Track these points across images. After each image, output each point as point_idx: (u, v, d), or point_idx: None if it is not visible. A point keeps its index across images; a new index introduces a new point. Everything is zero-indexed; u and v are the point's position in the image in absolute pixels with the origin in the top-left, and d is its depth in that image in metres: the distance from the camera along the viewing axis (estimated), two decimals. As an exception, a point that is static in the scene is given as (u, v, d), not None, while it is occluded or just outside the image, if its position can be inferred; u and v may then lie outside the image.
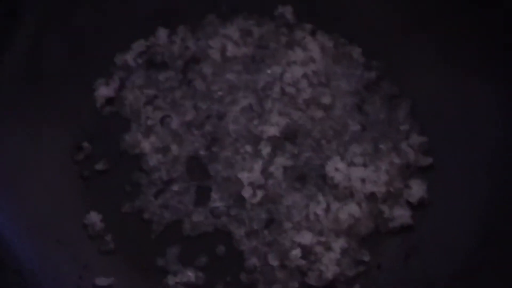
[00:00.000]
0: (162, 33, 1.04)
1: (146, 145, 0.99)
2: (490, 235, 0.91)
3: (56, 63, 1.02)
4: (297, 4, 1.04)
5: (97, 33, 1.03)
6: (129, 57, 1.03)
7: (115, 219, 0.96)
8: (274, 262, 0.92)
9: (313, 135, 0.98)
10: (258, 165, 0.96)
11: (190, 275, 0.93)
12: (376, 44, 1.02)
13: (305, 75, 1.00)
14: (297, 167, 0.97)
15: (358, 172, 0.95)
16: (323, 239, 0.92)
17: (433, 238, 0.93)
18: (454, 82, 0.98)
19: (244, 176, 0.96)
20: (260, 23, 1.04)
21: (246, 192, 0.95)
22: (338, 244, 0.92)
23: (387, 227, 0.94)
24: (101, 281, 0.93)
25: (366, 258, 0.93)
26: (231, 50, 1.03)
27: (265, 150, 0.97)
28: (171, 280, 0.92)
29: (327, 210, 0.94)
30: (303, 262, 0.92)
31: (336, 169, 0.96)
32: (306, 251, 0.92)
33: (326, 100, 0.99)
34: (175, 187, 0.97)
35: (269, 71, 1.01)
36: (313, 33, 1.03)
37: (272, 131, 0.98)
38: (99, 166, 0.98)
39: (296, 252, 0.92)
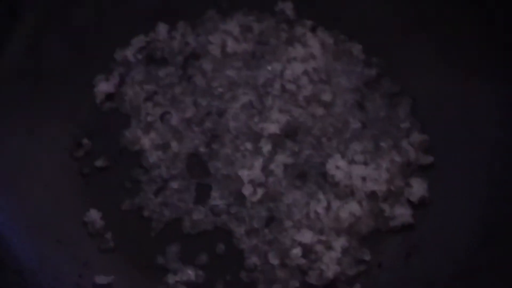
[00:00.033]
0: (162, 29, 1.03)
1: (146, 141, 0.98)
2: (490, 234, 0.91)
3: (56, 59, 1.01)
4: (298, 0, 1.03)
5: (97, 29, 1.03)
6: (129, 53, 1.03)
7: (115, 217, 0.95)
8: (274, 260, 0.92)
9: (313, 133, 0.98)
10: (258, 163, 0.96)
11: (190, 273, 0.93)
12: (377, 41, 1.02)
13: (305, 72, 1.00)
14: (298, 164, 0.97)
15: (359, 170, 0.95)
16: (323, 237, 0.92)
17: (433, 237, 0.93)
18: (455, 80, 0.98)
19: (244, 173, 0.96)
20: (260, 19, 1.04)
21: (246, 190, 0.95)
22: (339, 243, 0.92)
23: (387, 226, 0.94)
24: (101, 279, 0.92)
25: (367, 257, 0.93)
26: (231, 46, 1.02)
27: (266, 147, 0.97)
28: (171, 278, 0.92)
29: (328, 208, 0.94)
30: (303, 261, 0.92)
31: (337, 167, 0.96)
32: (307, 250, 0.92)
33: (326, 97, 0.99)
34: (175, 185, 0.96)
35: (269, 68, 1.01)
36: (313, 30, 1.03)
37: (272, 128, 0.97)
38: (99, 163, 0.98)
39: (297, 250, 0.92)
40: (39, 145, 0.98)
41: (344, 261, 0.92)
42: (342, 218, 0.93)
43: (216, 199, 0.96)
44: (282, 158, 0.97)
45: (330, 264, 0.91)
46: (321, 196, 0.94)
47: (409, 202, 0.95)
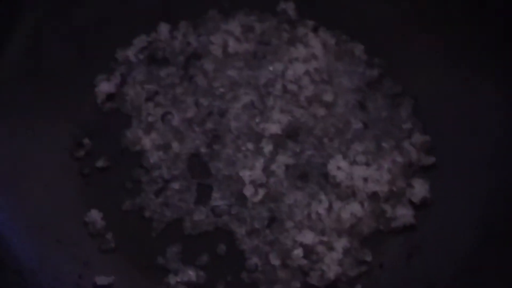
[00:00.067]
0: (163, 29, 1.03)
1: (147, 142, 0.98)
2: (492, 235, 0.91)
3: (56, 59, 1.01)
4: (299, 0, 1.03)
5: (98, 29, 1.03)
6: (130, 53, 1.02)
7: (115, 217, 0.95)
8: (275, 261, 0.92)
9: (315, 133, 0.98)
10: (259, 163, 0.96)
11: (191, 274, 0.92)
12: (379, 41, 1.01)
13: (307, 72, 1.00)
14: (299, 165, 0.96)
15: (361, 171, 0.95)
16: (325, 238, 0.92)
17: (435, 237, 0.93)
18: (457, 81, 0.98)
19: (245, 174, 0.95)
20: (262, 19, 1.04)
21: (248, 191, 0.95)
22: (340, 243, 0.92)
23: (389, 226, 0.94)
24: (101, 279, 0.92)
25: (368, 258, 0.92)
26: (232, 46, 1.02)
27: (267, 148, 0.97)
28: (172, 279, 0.92)
29: (329, 209, 0.94)
30: (304, 261, 0.91)
31: (338, 168, 0.95)
32: (308, 251, 0.92)
33: (328, 97, 0.99)
34: (176, 185, 0.96)
35: (271, 68, 1.01)
36: (315, 30, 1.03)
37: (274, 128, 0.97)
38: (100, 163, 0.98)
39: (298, 251, 0.91)
40: (40, 145, 0.98)
41: (346, 262, 0.92)
42: (344, 218, 0.93)
43: (217, 199, 0.95)
44: (283, 158, 0.96)
45: (331, 265, 0.91)
46: (322, 196, 0.94)
47: (411, 202, 0.94)
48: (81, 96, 1.00)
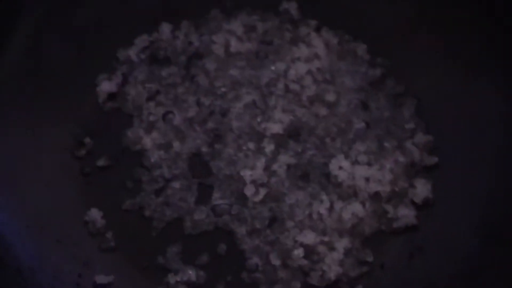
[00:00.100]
0: (165, 28, 1.03)
1: (148, 141, 0.98)
2: (494, 235, 0.91)
3: (57, 59, 1.01)
4: (302, -1, 1.03)
5: (100, 28, 1.03)
6: (132, 52, 1.02)
7: (116, 216, 0.95)
8: (276, 261, 0.91)
9: (317, 133, 0.97)
10: (261, 163, 0.95)
11: (191, 273, 0.92)
12: (381, 41, 1.01)
13: (309, 72, 1.00)
14: (301, 165, 0.96)
15: (362, 171, 0.94)
16: (326, 238, 0.91)
17: (437, 238, 0.92)
18: (460, 81, 0.98)
19: (246, 173, 0.95)
20: (264, 19, 1.04)
21: (249, 190, 0.94)
22: (341, 244, 0.91)
23: (391, 227, 0.93)
24: (101, 279, 0.92)
25: (370, 258, 0.92)
26: (234, 45, 1.02)
27: (268, 147, 0.96)
28: (171, 278, 0.91)
29: (331, 209, 0.93)
30: (305, 262, 0.91)
31: (340, 168, 0.95)
32: (309, 251, 0.91)
33: (330, 97, 0.98)
34: (176, 184, 0.96)
35: (273, 67, 1.01)
36: (317, 30, 1.03)
37: (275, 128, 0.97)
38: (100, 162, 0.98)
39: (299, 251, 0.91)
40: (40, 145, 0.98)
41: (347, 262, 0.91)
42: (345, 219, 0.92)
43: (218, 199, 0.95)
44: (285, 158, 0.96)
45: (332, 265, 0.90)
46: (324, 196, 0.94)
47: (413, 203, 0.94)
48: (82, 96, 1.00)
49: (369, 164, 0.95)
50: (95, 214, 0.95)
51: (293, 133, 0.97)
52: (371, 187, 0.94)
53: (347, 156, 0.96)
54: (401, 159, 0.95)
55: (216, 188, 0.95)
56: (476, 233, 0.91)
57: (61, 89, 1.00)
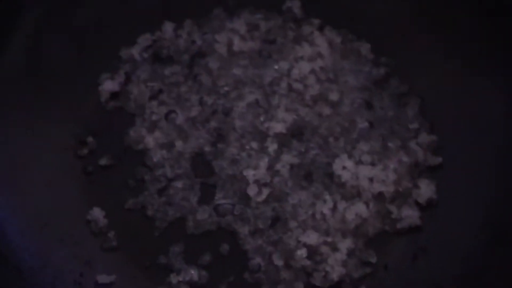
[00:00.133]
0: (168, 27, 1.03)
1: (150, 140, 0.98)
2: (498, 236, 0.90)
3: (57, 59, 1.01)
4: (305, -2, 1.03)
5: (101, 28, 1.03)
6: (135, 51, 1.02)
7: (118, 216, 0.94)
8: (278, 262, 0.91)
9: (320, 132, 0.97)
10: (264, 163, 0.95)
11: (193, 273, 0.91)
12: (385, 40, 1.01)
13: (312, 71, 0.99)
14: (304, 165, 0.96)
15: (366, 171, 0.94)
16: (329, 239, 0.91)
17: (441, 239, 0.92)
18: (464, 81, 0.97)
19: (249, 173, 0.95)
20: (267, 18, 1.04)
21: (252, 190, 0.94)
22: (345, 244, 0.91)
23: (394, 227, 0.93)
24: (103, 278, 0.91)
25: (373, 259, 0.91)
26: (237, 44, 1.02)
27: (272, 147, 0.96)
28: (174, 278, 0.91)
29: (334, 209, 0.93)
30: (308, 262, 0.90)
31: (344, 168, 0.94)
32: (312, 251, 0.91)
33: (333, 96, 0.98)
34: (179, 184, 0.95)
35: (276, 67, 1.01)
36: (321, 29, 1.02)
37: (278, 127, 0.96)
38: (103, 162, 0.97)
39: (302, 252, 0.90)
40: (42, 144, 0.97)
41: (350, 263, 0.91)
42: (348, 219, 0.92)
43: (221, 199, 0.95)
44: (288, 158, 0.96)
45: (335, 266, 0.90)
46: (327, 196, 0.93)
47: (417, 203, 0.93)
48: (84, 95, 1.00)
49: (372, 164, 0.95)
50: (97, 213, 0.94)
51: (296, 132, 0.97)
52: (375, 187, 0.93)
53: (350, 156, 0.95)
54: (405, 159, 0.95)
55: (219, 188, 0.95)
56: (480, 234, 0.90)
57: (62, 89, 1.00)
